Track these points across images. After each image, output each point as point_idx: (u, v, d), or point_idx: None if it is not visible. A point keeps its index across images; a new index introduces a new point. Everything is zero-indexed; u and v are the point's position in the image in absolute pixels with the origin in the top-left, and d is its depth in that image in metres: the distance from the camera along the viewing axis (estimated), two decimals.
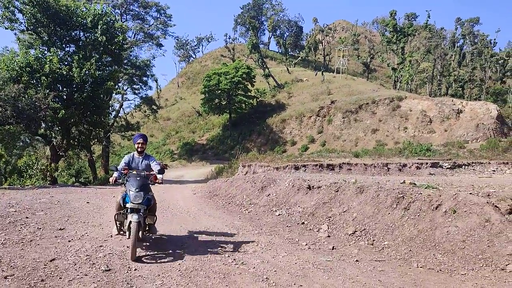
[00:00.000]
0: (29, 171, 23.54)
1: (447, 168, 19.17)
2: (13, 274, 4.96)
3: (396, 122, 39.00)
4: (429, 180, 11.21)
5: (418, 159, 21.08)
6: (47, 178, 22.49)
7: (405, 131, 37.81)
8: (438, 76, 59.76)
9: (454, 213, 7.00)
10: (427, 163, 19.49)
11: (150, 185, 6.66)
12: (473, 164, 19.90)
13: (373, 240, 7.63)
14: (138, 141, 6.89)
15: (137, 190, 6.20)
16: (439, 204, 7.44)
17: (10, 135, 23.02)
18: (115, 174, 6.61)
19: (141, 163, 6.90)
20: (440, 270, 5.96)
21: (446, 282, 5.45)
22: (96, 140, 27.27)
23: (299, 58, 75.97)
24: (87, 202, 11.88)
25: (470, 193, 7.54)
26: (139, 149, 6.88)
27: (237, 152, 36.93)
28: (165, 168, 7.10)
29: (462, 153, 24.11)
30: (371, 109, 41.45)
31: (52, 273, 5.15)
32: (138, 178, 6.35)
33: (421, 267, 6.14)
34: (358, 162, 19.82)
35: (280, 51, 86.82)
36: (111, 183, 6.71)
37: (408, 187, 8.71)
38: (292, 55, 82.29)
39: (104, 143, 33.73)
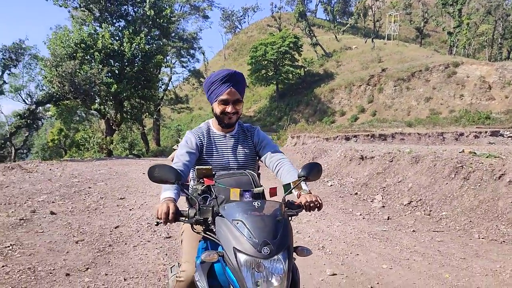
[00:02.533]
0: (86, 144, 24.71)
1: (508, 136, 18.22)
2: (83, 239, 5.28)
3: (451, 90, 37.23)
4: (490, 149, 10.71)
5: (477, 127, 20.15)
6: (103, 150, 23.53)
7: (461, 99, 36.06)
8: (499, 39, 56.07)
9: None
10: (486, 132, 18.60)
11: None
12: None
13: (430, 211, 7.44)
14: (224, 97, 2.46)
15: (267, 252, 1.66)
16: (502, 174, 7.10)
17: (68, 110, 24.16)
18: (166, 197, 2.07)
19: (237, 149, 2.61)
20: (504, 241, 5.74)
21: (510, 254, 5.24)
22: (147, 113, 28.04)
23: (348, 25, 73.66)
24: (143, 173, 12.32)
25: None
26: (227, 119, 2.52)
27: (285, 124, 36.83)
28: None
29: None
30: (424, 76, 39.75)
31: (118, 239, 5.43)
32: (259, 213, 1.82)
33: (482, 238, 5.94)
34: (411, 132, 19.25)
35: (327, 18, 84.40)
36: (160, 221, 1.97)
37: (468, 156, 8.37)
38: (340, 22, 79.88)
39: (155, 117, 34.64)
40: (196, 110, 56.42)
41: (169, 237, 5.68)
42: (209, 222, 1.91)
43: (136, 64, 22.97)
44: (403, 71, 41.21)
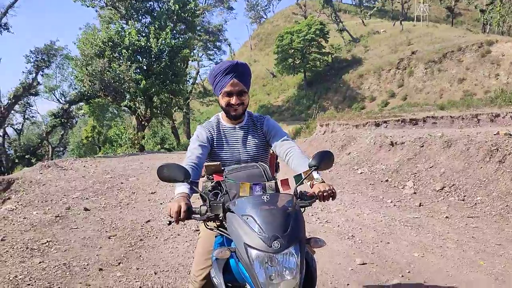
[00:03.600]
0: (119, 140, 25.26)
1: None
2: (115, 235, 5.41)
3: (485, 69, 35.92)
4: None
5: None
6: (135, 146, 24.01)
7: (497, 79, 34.74)
8: None
9: None
10: None
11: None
12: None
13: (464, 196, 7.23)
14: (227, 89, 2.43)
15: (277, 246, 1.63)
16: None
17: (100, 108, 24.77)
18: (179, 193, 2.05)
19: (247, 141, 2.59)
20: None
21: None
22: (176, 107, 28.38)
23: (375, 8, 72.05)
24: None
25: None
26: (233, 111, 2.50)
27: (314, 112, 36.52)
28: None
29: None
30: (456, 57, 38.51)
31: (149, 233, 5.54)
32: (269, 206, 1.79)
33: None
34: (443, 115, 18.71)
35: (353, 3, 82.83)
36: (172, 219, 1.94)
37: (503, 139, 8.07)
38: (367, 6, 78.14)
39: (184, 110, 35.01)
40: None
41: (198, 230, 5.74)
42: (221, 218, 1.89)
43: (163, 60, 23.24)
44: (434, 53, 40.06)
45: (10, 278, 3.85)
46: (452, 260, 4.45)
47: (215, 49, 43.13)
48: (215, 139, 2.54)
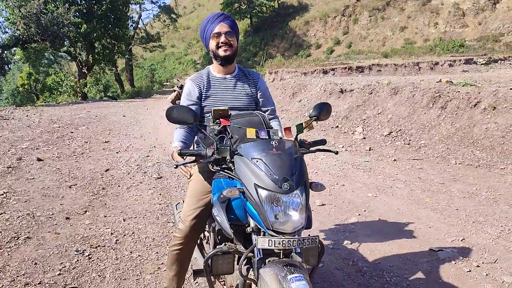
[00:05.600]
0: (59, 88, 24.04)
1: (481, 64, 18.53)
2: (76, 184, 5.35)
3: (426, 18, 37.01)
4: (465, 77, 10.97)
5: (451, 56, 20.35)
6: (78, 94, 22.99)
7: (436, 27, 35.97)
8: None
9: (493, 110, 6.96)
10: (460, 60, 18.84)
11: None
12: (510, 58, 19.15)
13: (410, 140, 7.73)
14: (216, 30, 2.49)
15: (287, 188, 1.75)
16: (477, 102, 7.37)
17: (36, 53, 23.19)
18: (178, 142, 2.45)
19: (237, 91, 2.61)
20: (479, 165, 6.09)
21: (485, 177, 5.59)
22: (119, 53, 27.18)
23: None
24: (123, 116, 12.24)
25: (511, 89, 7.39)
26: (222, 51, 2.49)
27: (261, 59, 36.33)
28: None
29: (497, 47, 23.08)
30: (399, 5, 39.24)
31: (110, 182, 5.52)
32: (277, 151, 1.87)
33: (459, 164, 6.27)
34: (388, 63, 19.34)
35: None
36: (179, 163, 2.16)
37: (445, 86, 8.59)
38: None
39: (126, 56, 33.60)
40: (169, 48, 54.99)
41: (160, 177, 5.80)
42: (228, 160, 1.98)
43: (104, 2, 21.92)
44: (378, 0, 40.56)
45: None
46: (402, 199, 4.85)
47: None
48: (204, 90, 2.57)
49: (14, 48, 21.87)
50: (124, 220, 4.20)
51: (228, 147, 1.98)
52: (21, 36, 18.27)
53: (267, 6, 48.00)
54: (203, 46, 52.20)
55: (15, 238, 3.67)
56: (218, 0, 52.08)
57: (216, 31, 2.48)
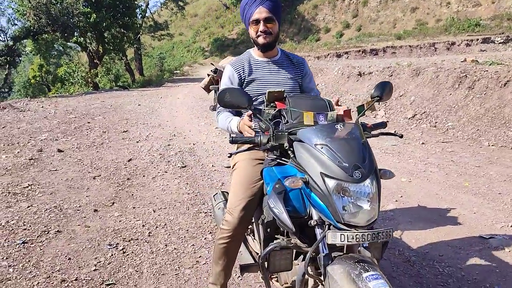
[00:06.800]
0: (70, 79, 23.98)
1: (499, 43, 18.10)
2: (99, 175, 5.23)
3: None
4: (488, 56, 10.64)
5: (468, 35, 19.92)
6: (89, 84, 22.91)
7: (448, 7, 35.16)
8: None
9: None
10: (477, 39, 18.44)
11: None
12: None
13: (436, 122, 7.50)
14: (255, 16, 2.31)
15: (358, 176, 1.56)
16: (508, 81, 7.09)
17: (46, 44, 23.09)
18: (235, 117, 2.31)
19: (281, 75, 2.46)
20: None
21: None
22: (128, 43, 26.99)
23: None
24: (138, 105, 12.11)
25: None
26: (262, 39, 2.34)
27: None
28: None
29: None
30: None
31: (134, 172, 5.39)
32: (344, 135, 1.70)
33: (492, 145, 6.05)
34: (402, 45, 19.00)
35: None
36: (231, 153, 2.02)
37: (471, 65, 8.31)
38: None
39: (135, 46, 33.39)
40: (177, 36, 54.66)
41: (185, 166, 5.66)
42: (286, 147, 1.78)
43: None
44: None
45: (2, 224, 3.67)
46: (438, 183, 4.65)
47: None
48: (246, 75, 2.42)
49: (25, 40, 21.79)
50: (154, 211, 4.07)
51: (286, 133, 1.79)
52: (32, 28, 18.16)
53: None
54: (211, 33, 52.08)
55: (46, 232, 3.55)
56: None
57: (254, 17, 2.31)
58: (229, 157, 1.97)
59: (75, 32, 20.99)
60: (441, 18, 33.53)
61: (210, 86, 3.06)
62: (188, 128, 8.49)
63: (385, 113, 8.61)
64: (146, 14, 40.81)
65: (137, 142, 7.13)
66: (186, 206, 4.21)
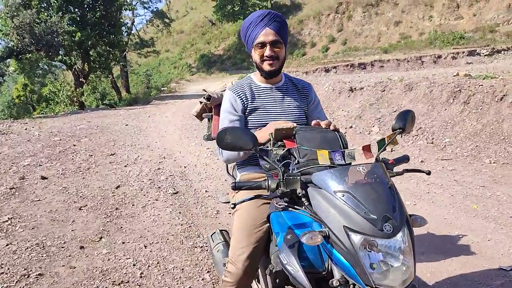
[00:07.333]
0: (55, 98, 23.54)
1: (485, 55, 18.23)
2: (86, 205, 4.90)
3: (420, 12, 36.73)
4: (479, 69, 10.59)
5: (454, 48, 20.05)
6: (75, 103, 22.50)
7: (430, 20, 35.67)
8: None
9: None
10: (463, 52, 18.55)
11: None
12: None
13: (432, 139, 7.33)
14: (260, 39, 2.08)
15: (390, 230, 1.32)
16: (504, 95, 6.97)
17: (30, 64, 22.70)
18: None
19: (286, 103, 2.22)
20: None
21: None
22: (114, 60, 26.69)
23: None
24: (125, 125, 11.78)
25: None
26: (267, 65, 2.12)
27: None
28: None
29: (498, 37, 22.75)
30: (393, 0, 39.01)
31: (123, 201, 5.08)
32: (367, 179, 1.46)
33: (494, 163, 5.88)
34: (389, 58, 19.02)
35: None
36: (235, 202, 1.70)
37: (464, 80, 8.20)
38: None
39: (121, 63, 33.09)
40: (163, 53, 54.60)
41: (176, 192, 5.37)
42: (299, 194, 1.52)
43: (98, 9, 21.46)
44: None
45: None
46: (445, 207, 4.44)
47: None
48: (249, 102, 2.17)
49: (8, 60, 21.38)
50: (145, 246, 3.76)
51: (299, 177, 1.53)
52: (15, 47, 17.78)
53: (260, 7, 47.57)
54: (197, 49, 52.01)
55: (26, 276, 3.23)
56: (211, 3, 51.88)
57: (260, 40, 2.07)
58: (233, 208, 1.71)
59: (60, 51, 20.64)
60: (424, 31, 34.01)
61: (203, 114, 2.79)
62: (178, 149, 8.20)
63: (379, 129, 8.44)
64: (132, 31, 40.66)
65: (125, 166, 6.81)
66: (179, 239, 3.91)
